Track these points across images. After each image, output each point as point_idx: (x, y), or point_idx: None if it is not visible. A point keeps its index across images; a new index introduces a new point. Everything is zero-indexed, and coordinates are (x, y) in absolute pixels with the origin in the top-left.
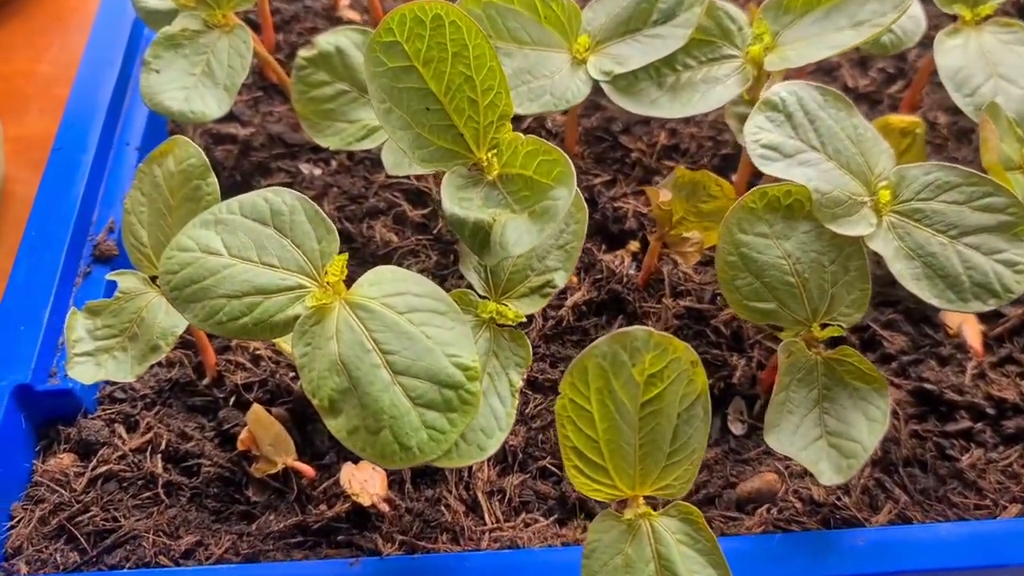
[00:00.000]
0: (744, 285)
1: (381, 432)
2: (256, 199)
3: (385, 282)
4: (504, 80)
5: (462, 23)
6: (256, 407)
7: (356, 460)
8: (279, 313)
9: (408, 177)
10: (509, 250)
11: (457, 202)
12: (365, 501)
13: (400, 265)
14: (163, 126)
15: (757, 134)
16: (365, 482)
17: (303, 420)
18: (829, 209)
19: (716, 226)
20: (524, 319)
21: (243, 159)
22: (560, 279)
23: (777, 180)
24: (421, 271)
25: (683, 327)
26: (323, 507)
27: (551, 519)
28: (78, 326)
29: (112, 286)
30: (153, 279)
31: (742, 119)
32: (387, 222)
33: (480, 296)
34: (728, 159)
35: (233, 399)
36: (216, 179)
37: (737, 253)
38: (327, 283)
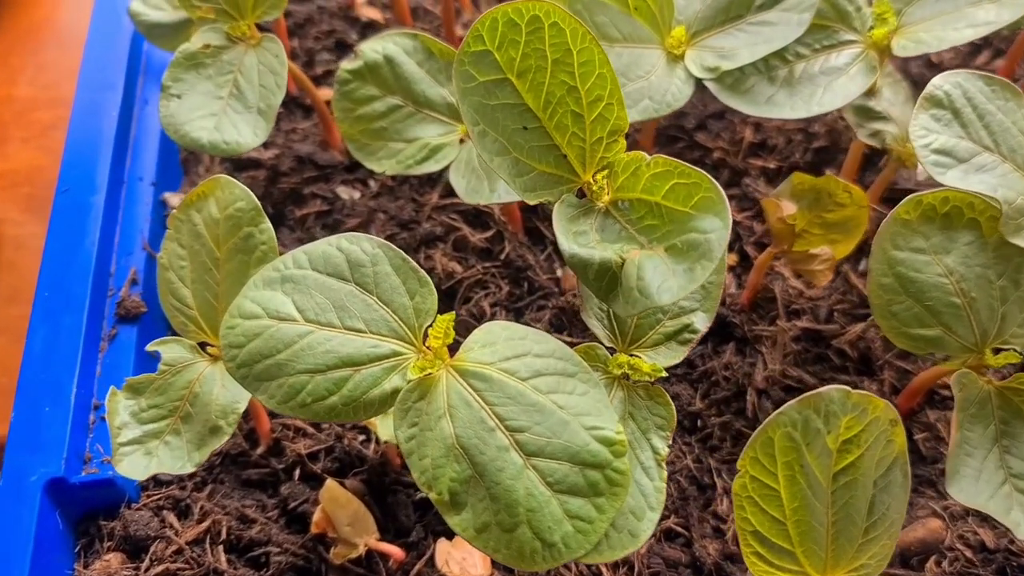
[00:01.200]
0: (903, 310)
1: (517, 528)
2: (328, 249)
3: (498, 341)
4: (617, 89)
5: (565, 24)
6: (330, 483)
7: (450, 535)
8: (373, 388)
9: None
10: (653, 298)
11: (573, 237)
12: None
13: (468, 298)
14: (176, 155)
15: (926, 137)
16: (464, 560)
17: (381, 492)
18: (1015, 220)
19: (845, 239)
20: (663, 374)
21: (272, 186)
22: (701, 322)
23: (889, 183)
24: (493, 305)
25: (802, 352)
26: None
27: None
28: (120, 409)
29: (145, 346)
30: (203, 346)
31: (861, 113)
32: (447, 250)
33: (607, 348)
34: (822, 153)
35: (297, 471)
36: (271, 225)
37: (892, 273)
38: (429, 348)
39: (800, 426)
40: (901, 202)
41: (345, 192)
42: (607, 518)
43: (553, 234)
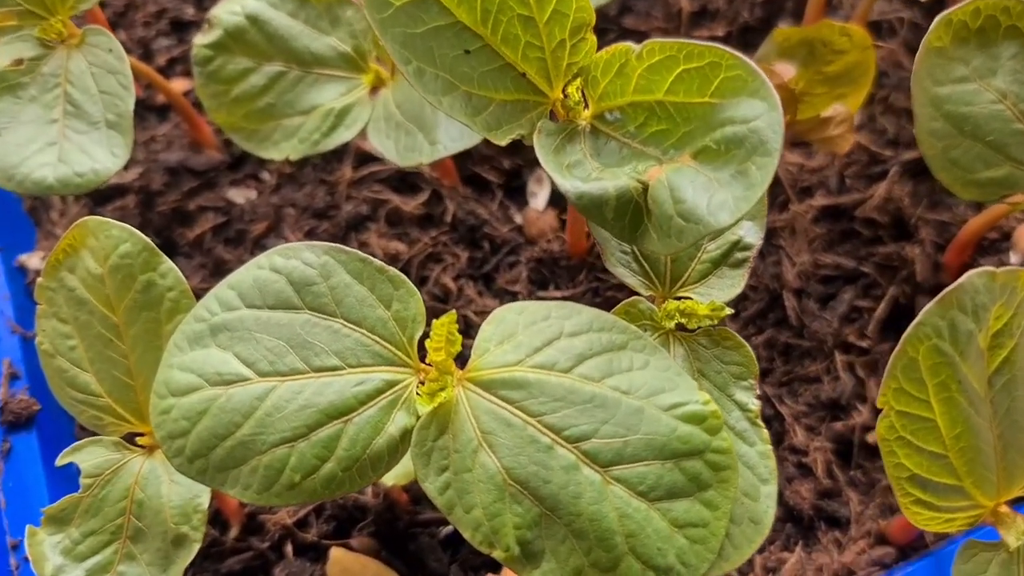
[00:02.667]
0: (962, 154)
1: (621, 563)
2: (260, 274)
3: (518, 331)
4: None
5: None
6: (335, 552)
7: (496, 567)
8: (376, 437)
9: (381, 159)
10: (708, 221)
11: (568, 172)
12: None
13: (423, 279)
14: (17, 205)
15: None
16: None
17: (398, 542)
18: None
19: (854, 90)
20: (726, 312)
21: (148, 212)
22: (752, 234)
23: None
24: (456, 278)
25: (827, 233)
26: None
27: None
28: (47, 550)
29: (54, 457)
30: (130, 439)
31: None
32: (380, 229)
33: (646, 298)
34: (771, 5)
35: (288, 546)
36: (172, 264)
37: (941, 115)
38: (430, 365)
39: (947, 333)
40: (930, 29)
41: (239, 195)
42: (723, 513)
43: (499, 176)
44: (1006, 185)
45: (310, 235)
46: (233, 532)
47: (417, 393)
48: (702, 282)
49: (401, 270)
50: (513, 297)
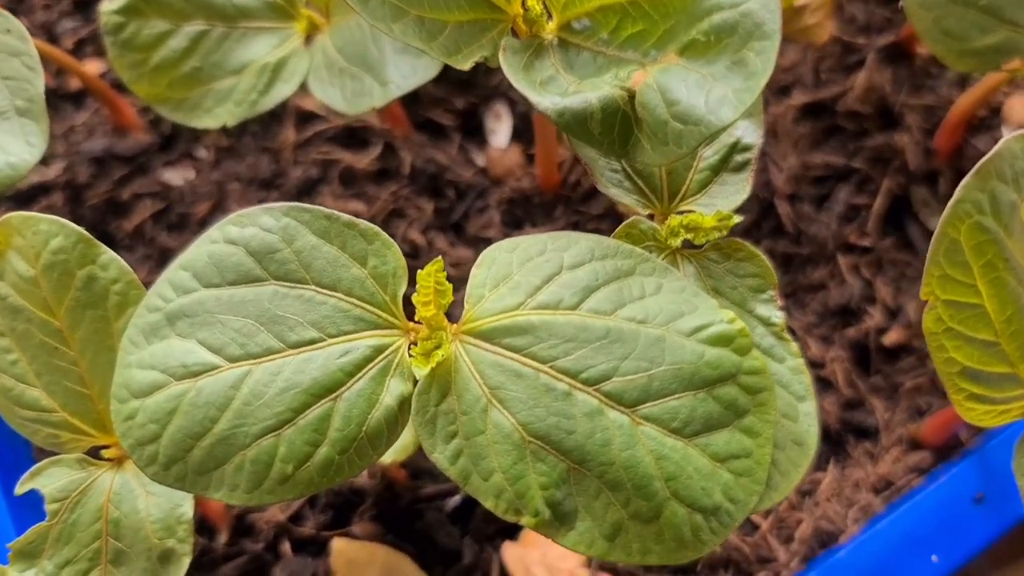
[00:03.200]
0: (956, 23)
1: (664, 510)
2: (214, 248)
3: (513, 272)
4: None
5: None
6: (337, 543)
7: (511, 533)
8: (372, 411)
9: (325, 116)
10: (708, 121)
11: (543, 89)
12: None
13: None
14: None
15: None
16: (544, 558)
17: (403, 521)
18: None
19: None
20: (735, 220)
21: (78, 208)
22: (750, 134)
23: None
24: (425, 231)
25: (811, 133)
26: None
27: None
28: None
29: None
30: (94, 453)
31: None
32: (335, 190)
33: (646, 217)
34: None
35: (285, 544)
36: (113, 253)
37: None
38: (420, 322)
39: (989, 207)
40: None
41: (175, 176)
42: (766, 440)
43: (453, 118)
44: (1004, 51)
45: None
46: (223, 537)
47: (410, 355)
48: (703, 192)
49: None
50: (488, 243)
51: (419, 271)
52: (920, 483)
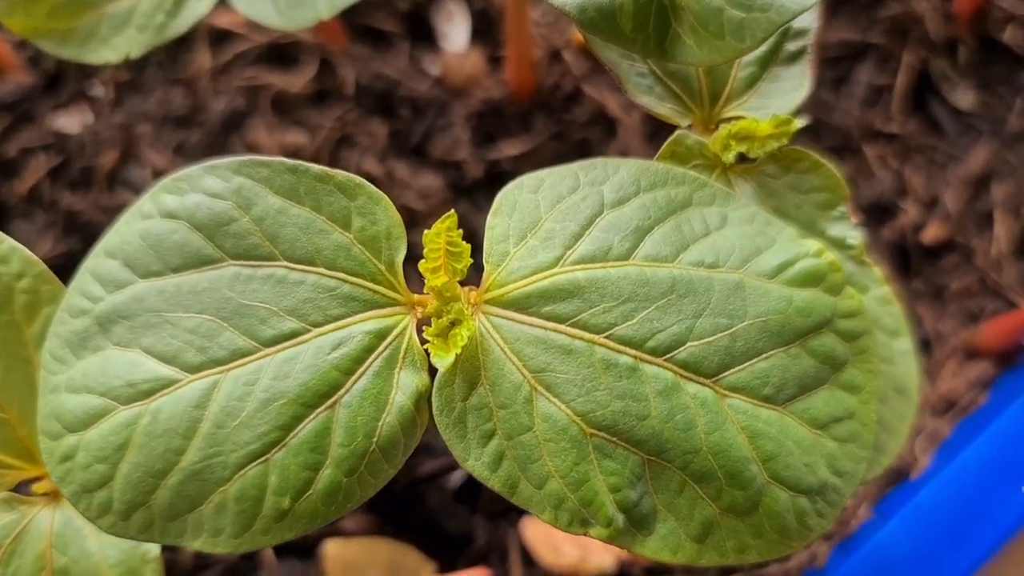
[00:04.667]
0: None
1: (763, 497)
2: (147, 226)
3: (541, 218)
4: None
5: None
6: (328, 545)
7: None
8: (381, 416)
9: (244, 34)
10: (785, 5)
11: None
12: (599, 565)
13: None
14: None
15: None
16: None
17: (403, 507)
18: None
19: None
20: (797, 125)
21: None
22: (805, 14)
23: None
24: (383, 159)
25: (823, 7)
26: None
27: None
28: None
29: None
30: (23, 488)
31: None
32: (269, 121)
33: (687, 129)
34: None
35: (265, 549)
36: (10, 239)
37: None
38: (431, 294)
39: None
40: None
41: (70, 122)
42: (870, 393)
43: (397, 23)
44: None
45: (179, 153)
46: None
47: (422, 338)
48: (751, 92)
49: None
50: (458, 169)
51: (425, 232)
52: (985, 400)
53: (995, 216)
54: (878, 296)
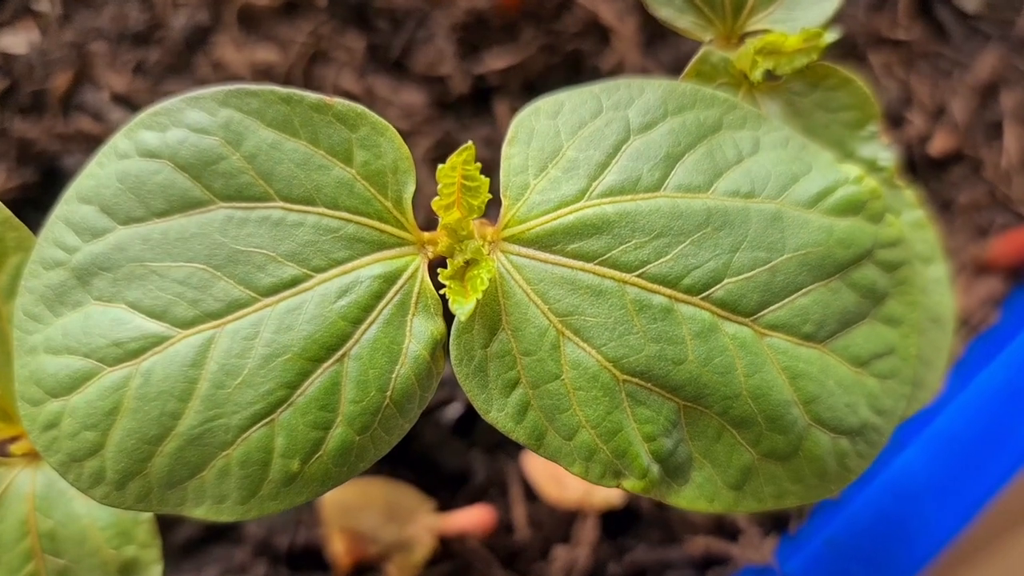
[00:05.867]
0: None
1: (803, 441)
2: (125, 167)
3: (563, 146)
4: None
5: None
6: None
7: None
8: (395, 367)
9: None
10: None
11: None
12: (606, 498)
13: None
14: None
15: None
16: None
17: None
18: None
19: None
20: (826, 38)
21: None
22: None
23: None
24: (361, 76)
25: None
26: (561, 553)
27: None
28: None
29: None
30: (2, 446)
31: None
32: (236, 37)
33: (707, 44)
34: None
35: None
36: None
37: None
38: (444, 231)
39: None
40: None
41: (15, 41)
42: (910, 327)
43: None
44: None
45: (140, 73)
46: None
47: (435, 281)
48: (776, 2)
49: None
50: (442, 84)
51: (439, 167)
52: (996, 318)
53: (1004, 126)
54: (911, 220)
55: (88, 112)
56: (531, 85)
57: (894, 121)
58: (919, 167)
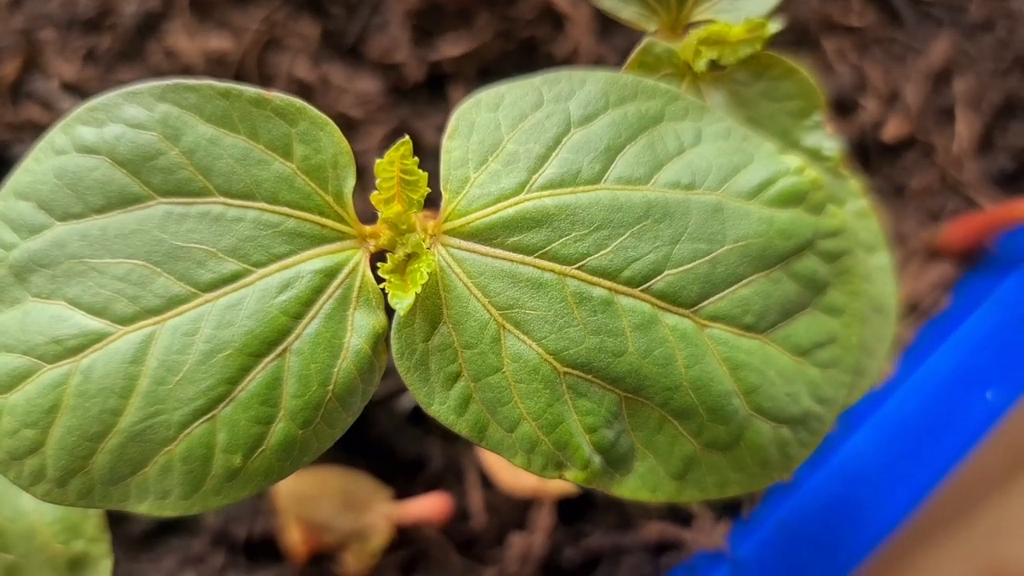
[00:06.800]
0: None
1: (744, 432)
2: (62, 163)
3: (503, 139)
4: None
5: None
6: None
7: None
8: (336, 361)
9: None
10: None
11: None
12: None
13: (269, 77)
14: None
15: None
16: None
17: (354, 432)
18: None
19: None
20: (770, 29)
21: None
22: None
23: None
24: (316, 64)
25: None
26: (517, 539)
27: None
28: None
29: None
30: None
31: None
32: (187, 23)
33: (652, 35)
34: None
35: None
36: None
37: None
38: (387, 225)
39: None
40: None
41: None
42: (852, 317)
43: None
44: None
45: (90, 60)
46: None
47: (376, 275)
48: None
49: (235, 76)
50: (397, 72)
51: (377, 162)
52: (947, 303)
53: (956, 111)
54: (855, 210)
55: (37, 101)
56: (486, 71)
57: (847, 107)
58: (872, 152)
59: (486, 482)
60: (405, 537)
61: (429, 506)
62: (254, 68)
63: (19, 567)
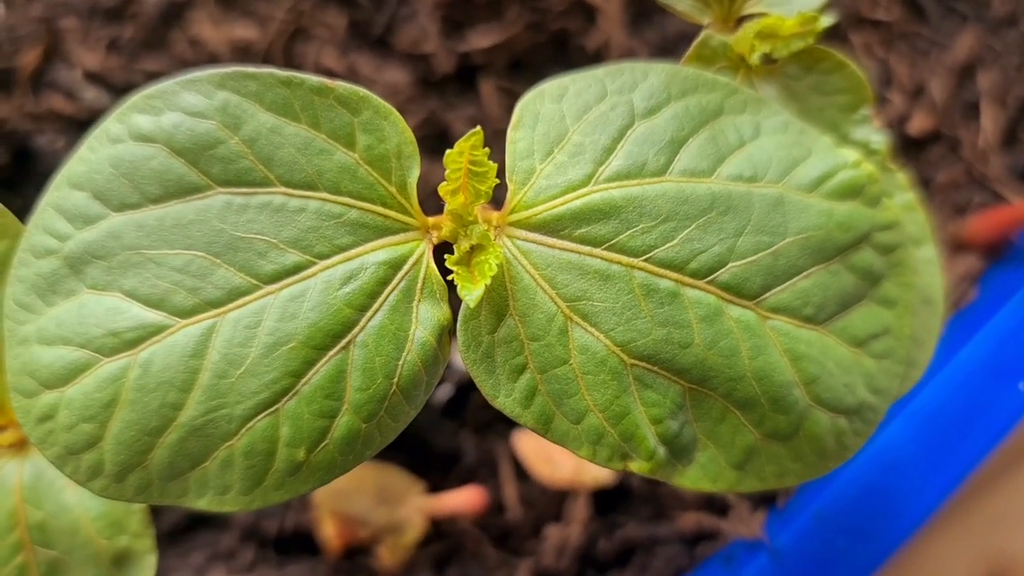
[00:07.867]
0: None
1: (804, 422)
2: (118, 152)
3: (568, 130)
4: None
5: None
6: None
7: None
8: (402, 354)
9: None
10: None
11: None
12: (596, 477)
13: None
14: None
15: None
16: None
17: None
18: None
19: None
20: (823, 22)
21: None
22: None
23: None
24: (343, 54)
25: None
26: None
27: None
28: None
29: None
30: None
31: None
32: (212, 13)
33: (706, 28)
34: None
35: None
36: None
37: None
38: (451, 216)
39: None
40: None
41: None
42: (905, 308)
43: None
44: None
45: (113, 49)
46: None
47: (440, 266)
48: None
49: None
50: (426, 62)
51: (447, 152)
52: (974, 295)
53: (981, 106)
54: (903, 203)
55: (60, 90)
56: (516, 64)
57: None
58: (898, 146)
59: (521, 475)
60: (440, 530)
61: (464, 499)
62: (280, 58)
63: (62, 563)
